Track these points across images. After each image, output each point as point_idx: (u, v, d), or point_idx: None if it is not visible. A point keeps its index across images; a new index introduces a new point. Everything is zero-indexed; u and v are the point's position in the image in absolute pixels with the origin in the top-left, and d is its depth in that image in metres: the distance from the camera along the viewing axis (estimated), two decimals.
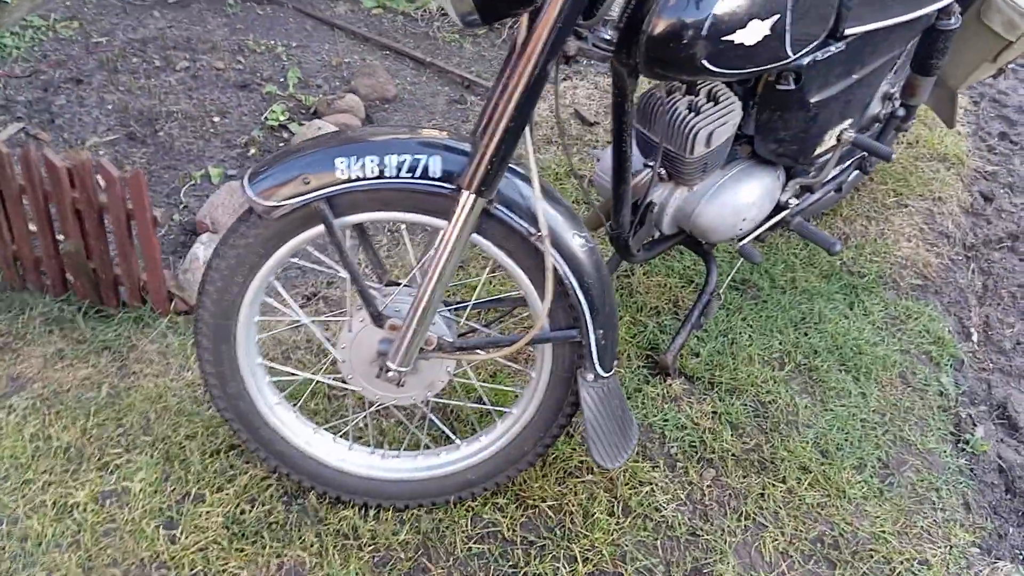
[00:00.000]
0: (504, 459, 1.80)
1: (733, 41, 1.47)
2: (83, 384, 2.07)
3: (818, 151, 2.03)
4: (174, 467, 1.88)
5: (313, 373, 1.99)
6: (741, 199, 1.99)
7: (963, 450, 2.12)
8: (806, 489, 1.96)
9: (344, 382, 1.74)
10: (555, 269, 1.54)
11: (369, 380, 1.69)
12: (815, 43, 1.71)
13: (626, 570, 1.77)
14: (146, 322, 2.23)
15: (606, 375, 1.66)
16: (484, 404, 2.00)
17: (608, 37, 1.45)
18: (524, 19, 1.38)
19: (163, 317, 2.23)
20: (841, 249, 2.17)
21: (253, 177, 1.51)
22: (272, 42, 3.59)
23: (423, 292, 1.52)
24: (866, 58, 1.95)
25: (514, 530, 1.83)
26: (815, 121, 1.92)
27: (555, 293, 1.55)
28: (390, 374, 1.61)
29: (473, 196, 1.44)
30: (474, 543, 1.80)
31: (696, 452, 2.02)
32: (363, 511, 1.83)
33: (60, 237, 2.20)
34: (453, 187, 1.47)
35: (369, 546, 1.77)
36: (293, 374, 1.93)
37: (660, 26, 1.43)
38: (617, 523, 1.85)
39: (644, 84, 1.77)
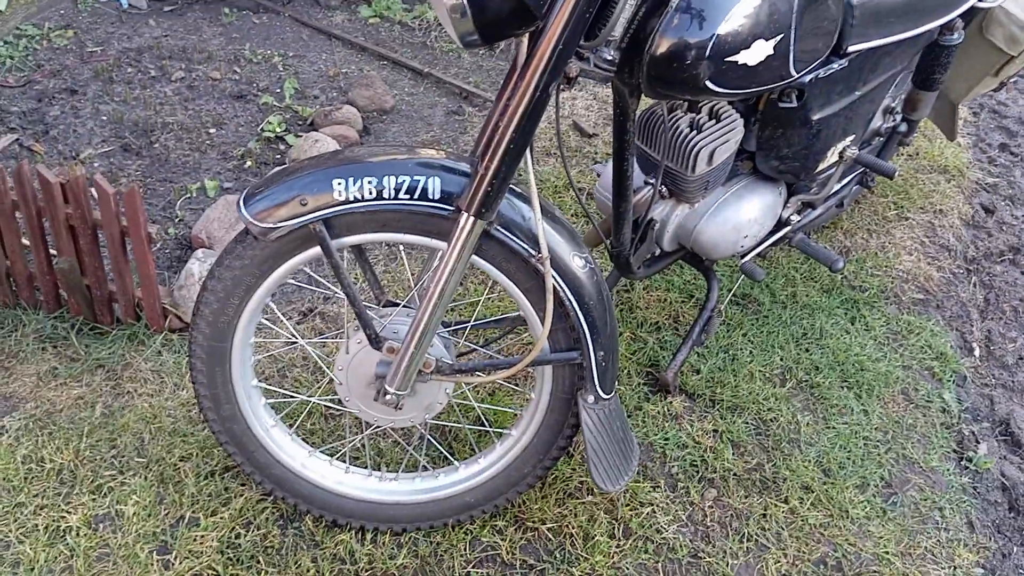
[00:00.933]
0: (503, 481, 1.77)
1: (737, 61, 1.45)
2: (76, 404, 2.04)
3: (820, 167, 2.01)
4: (168, 490, 1.86)
5: (309, 395, 1.96)
6: (743, 216, 1.97)
7: (966, 468, 2.11)
8: (809, 509, 1.94)
9: (341, 404, 1.71)
10: (555, 291, 1.52)
11: (367, 403, 1.67)
12: (818, 61, 1.69)
13: None
14: (140, 339, 2.20)
15: (607, 396, 1.64)
16: (483, 425, 1.98)
17: (610, 57, 1.42)
18: (524, 39, 1.35)
19: (158, 334, 2.20)
20: (843, 266, 2.16)
21: (249, 198, 1.48)
22: (269, 52, 3.57)
23: (422, 315, 1.50)
24: (869, 74, 1.94)
25: (513, 553, 1.80)
26: (817, 138, 1.90)
27: (555, 315, 1.53)
28: (388, 397, 1.59)
29: (473, 218, 1.42)
30: (473, 567, 1.77)
31: (697, 471, 2.00)
32: (360, 535, 1.81)
33: (54, 253, 2.17)
34: (452, 209, 1.44)
35: (366, 571, 1.75)
36: (289, 396, 1.91)
37: (663, 46, 1.41)
38: (618, 545, 1.83)
39: (645, 101, 1.76)
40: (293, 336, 2.04)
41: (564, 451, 1.74)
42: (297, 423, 1.97)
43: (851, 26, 1.74)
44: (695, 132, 1.80)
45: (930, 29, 2.00)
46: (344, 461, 1.82)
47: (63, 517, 1.79)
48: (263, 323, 1.67)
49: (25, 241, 2.19)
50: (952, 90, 2.51)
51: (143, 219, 2.01)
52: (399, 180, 1.44)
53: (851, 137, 2.04)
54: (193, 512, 1.82)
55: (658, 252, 2.07)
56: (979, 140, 3.39)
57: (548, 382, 1.66)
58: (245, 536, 1.78)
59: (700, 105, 1.84)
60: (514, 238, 1.49)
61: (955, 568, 1.85)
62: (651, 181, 1.94)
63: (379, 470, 1.84)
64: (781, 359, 2.30)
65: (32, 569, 1.70)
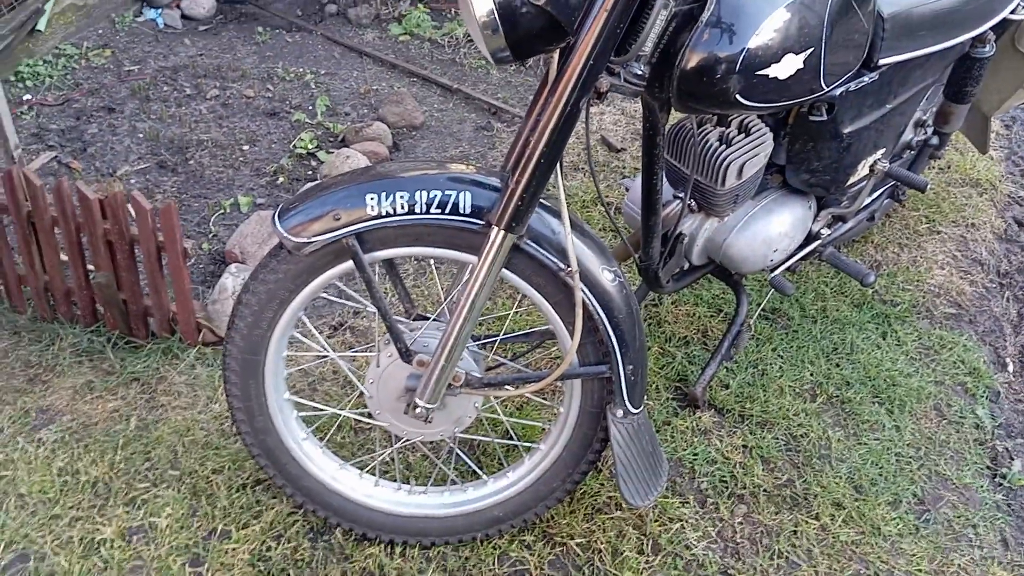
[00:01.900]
0: (532, 495, 1.77)
1: (767, 75, 1.46)
2: (112, 417, 2.07)
3: (851, 181, 2.00)
4: (201, 502, 1.88)
5: (340, 408, 1.98)
6: (772, 230, 1.97)
7: (1000, 484, 2.07)
8: (840, 526, 1.92)
9: (371, 417, 1.73)
10: (585, 305, 1.52)
11: (397, 416, 1.68)
12: (849, 74, 1.69)
13: None
14: (175, 353, 2.23)
15: (636, 411, 1.64)
16: (512, 440, 1.98)
17: (640, 72, 1.43)
18: (555, 55, 1.37)
19: (192, 348, 2.23)
20: (875, 280, 2.14)
21: (283, 213, 1.51)
22: (301, 70, 3.62)
23: (452, 328, 1.51)
24: (900, 87, 1.93)
25: (542, 568, 1.80)
26: (848, 151, 1.89)
27: (585, 328, 1.54)
28: (418, 410, 1.60)
29: (503, 232, 1.43)
30: None
31: (727, 487, 1.99)
32: (389, 548, 1.81)
33: (91, 268, 2.21)
34: (483, 223, 1.46)
35: None
36: (321, 409, 1.92)
37: (693, 60, 1.42)
38: (647, 561, 1.82)
39: (674, 116, 1.77)
40: (324, 350, 2.06)
41: (593, 466, 1.74)
42: (328, 436, 1.99)
43: (882, 39, 1.73)
44: (725, 146, 1.80)
45: (962, 41, 2.00)
46: (374, 474, 1.83)
47: (98, 529, 1.82)
48: (294, 336, 1.69)
49: (63, 256, 2.23)
50: (984, 103, 2.49)
51: (179, 235, 2.05)
52: (431, 195, 1.46)
53: (882, 150, 2.03)
54: (225, 525, 1.84)
55: (687, 266, 2.07)
56: (1012, 153, 3.36)
57: (577, 396, 1.67)
58: (276, 549, 1.80)
59: (730, 119, 1.84)
60: (544, 252, 1.50)
61: None
62: (680, 195, 1.94)
63: (408, 484, 1.85)
64: (811, 374, 2.28)
65: None
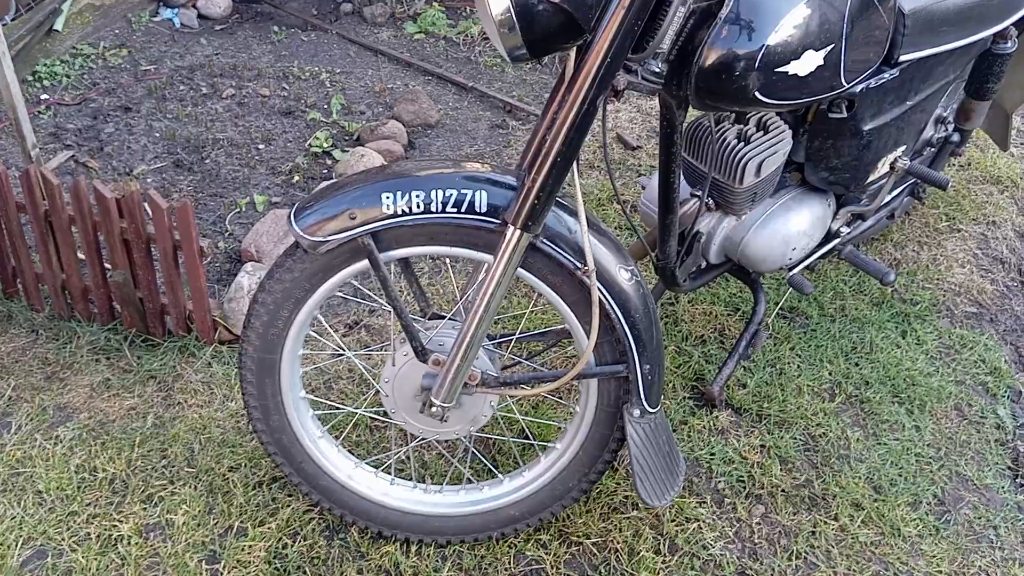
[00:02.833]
0: (548, 495, 1.77)
1: (787, 72, 1.44)
2: (129, 414, 2.08)
3: (871, 179, 1.98)
4: (217, 500, 1.88)
5: (356, 407, 1.98)
6: (791, 228, 1.95)
7: (1022, 485, 2.05)
8: (859, 527, 1.90)
9: (387, 416, 1.72)
10: (602, 304, 1.51)
11: (412, 415, 1.68)
12: (869, 71, 1.67)
13: None
14: (191, 351, 2.24)
15: (653, 411, 1.63)
16: (527, 439, 1.98)
17: (657, 70, 1.42)
18: (572, 53, 1.36)
19: (208, 346, 2.24)
20: (895, 279, 2.12)
21: (299, 212, 1.51)
22: (316, 69, 3.63)
23: (468, 327, 1.50)
24: (920, 84, 1.91)
25: (558, 568, 1.79)
26: (868, 149, 1.87)
27: (601, 328, 1.53)
28: (434, 409, 1.59)
29: (519, 231, 1.42)
30: None
31: (744, 487, 1.98)
32: (405, 547, 1.81)
33: (108, 267, 2.22)
34: (499, 222, 1.45)
35: None
36: (336, 408, 1.92)
37: (712, 58, 1.41)
38: (663, 561, 1.81)
39: (692, 114, 1.76)
40: (340, 348, 2.06)
41: (609, 465, 1.73)
42: (343, 435, 1.99)
43: (902, 35, 1.71)
44: (743, 144, 1.79)
45: (983, 38, 1.97)
46: (389, 473, 1.83)
47: (115, 526, 1.83)
48: (310, 335, 1.68)
49: (80, 255, 2.24)
50: (1006, 99, 2.46)
51: (195, 233, 2.05)
52: (447, 194, 1.45)
53: (902, 148, 2.01)
54: (241, 522, 1.84)
55: (704, 265, 2.06)
56: None
57: (593, 395, 1.66)
58: (292, 546, 1.80)
59: (748, 116, 1.82)
60: (560, 251, 1.49)
61: None
62: (697, 193, 1.92)
63: (424, 482, 1.85)
64: (830, 373, 2.26)
65: None
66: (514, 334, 1.83)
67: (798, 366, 2.27)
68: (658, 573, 1.79)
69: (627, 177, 3.01)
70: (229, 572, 1.75)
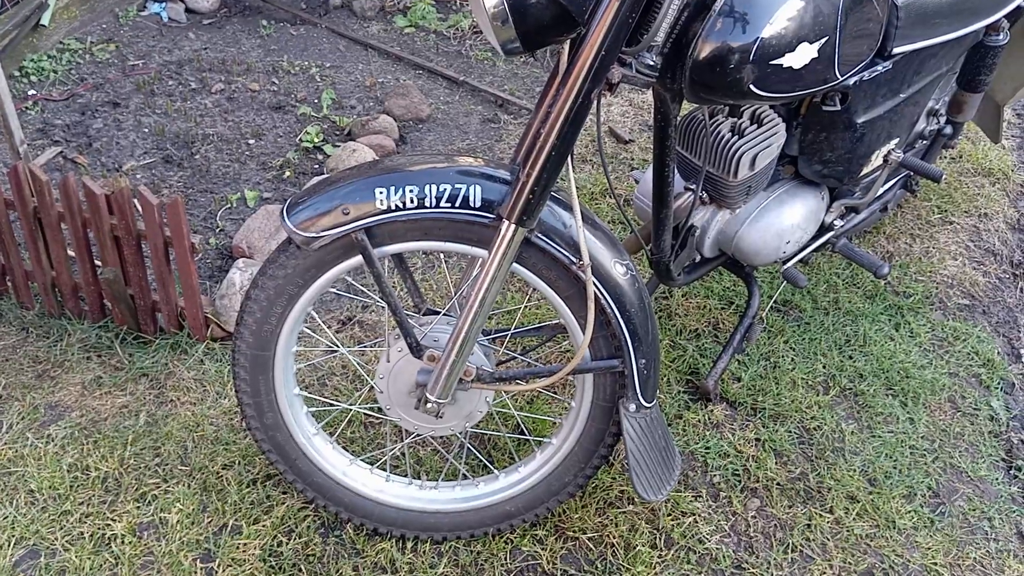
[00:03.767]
0: (544, 490, 1.76)
1: (781, 64, 1.44)
2: (121, 412, 2.07)
3: (864, 171, 1.98)
4: (211, 498, 1.87)
5: (350, 403, 1.97)
6: (785, 221, 1.95)
7: (1015, 477, 2.06)
8: (854, 519, 1.90)
9: (381, 412, 1.72)
10: (597, 298, 1.51)
11: (407, 411, 1.67)
12: (863, 63, 1.67)
13: None
14: (183, 348, 2.22)
15: (648, 405, 1.62)
16: (523, 434, 1.97)
17: (652, 63, 1.41)
18: (566, 46, 1.35)
19: (200, 343, 2.23)
20: (889, 272, 2.12)
21: (292, 208, 1.49)
22: (306, 63, 3.60)
23: (462, 323, 1.49)
24: (913, 76, 1.90)
25: (554, 563, 1.79)
26: (861, 141, 1.87)
27: (596, 322, 1.52)
28: (429, 405, 1.58)
29: (514, 226, 1.42)
30: None
31: (739, 481, 1.98)
32: (401, 543, 1.81)
33: (98, 264, 2.20)
34: (493, 216, 1.44)
35: None
36: (331, 404, 1.92)
37: (706, 51, 1.40)
38: (660, 556, 1.81)
39: (686, 107, 1.75)
40: (333, 345, 2.05)
41: (605, 460, 1.73)
42: (338, 431, 1.98)
43: (896, 27, 1.71)
44: (737, 137, 1.78)
45: (975, 30, 1.97)
46: (384, 470, 1.82)
47: (108, 525, 1.81)
48: (303, 331, 1.67)
49: (70, 252, 2.23)
50: (997, 91, 2.47)
51: (186, 230, 2.03)
52: (440, 188, 1.44)
53: (895, 140, 2.01)
54: (236, 520, 1.83)
55: (698, 258, 2.05)
56: None
57: (589, 390, 1.65)
58: (287, 544, 1.79)
59: (742, 109, 1.82)
60: (555, 245, 1.48)
61: None
62: (691, 187, 1.92)
63: (419, 479, 1.84)
64: (824, 366, 2.27)
65: None
66: (509, 329, 1.82)
67: (792, 359, 2.28)
68: (654, 567, 1.79)
69: (620, 171, 3.01)
70: (224, 570, 1.74)
